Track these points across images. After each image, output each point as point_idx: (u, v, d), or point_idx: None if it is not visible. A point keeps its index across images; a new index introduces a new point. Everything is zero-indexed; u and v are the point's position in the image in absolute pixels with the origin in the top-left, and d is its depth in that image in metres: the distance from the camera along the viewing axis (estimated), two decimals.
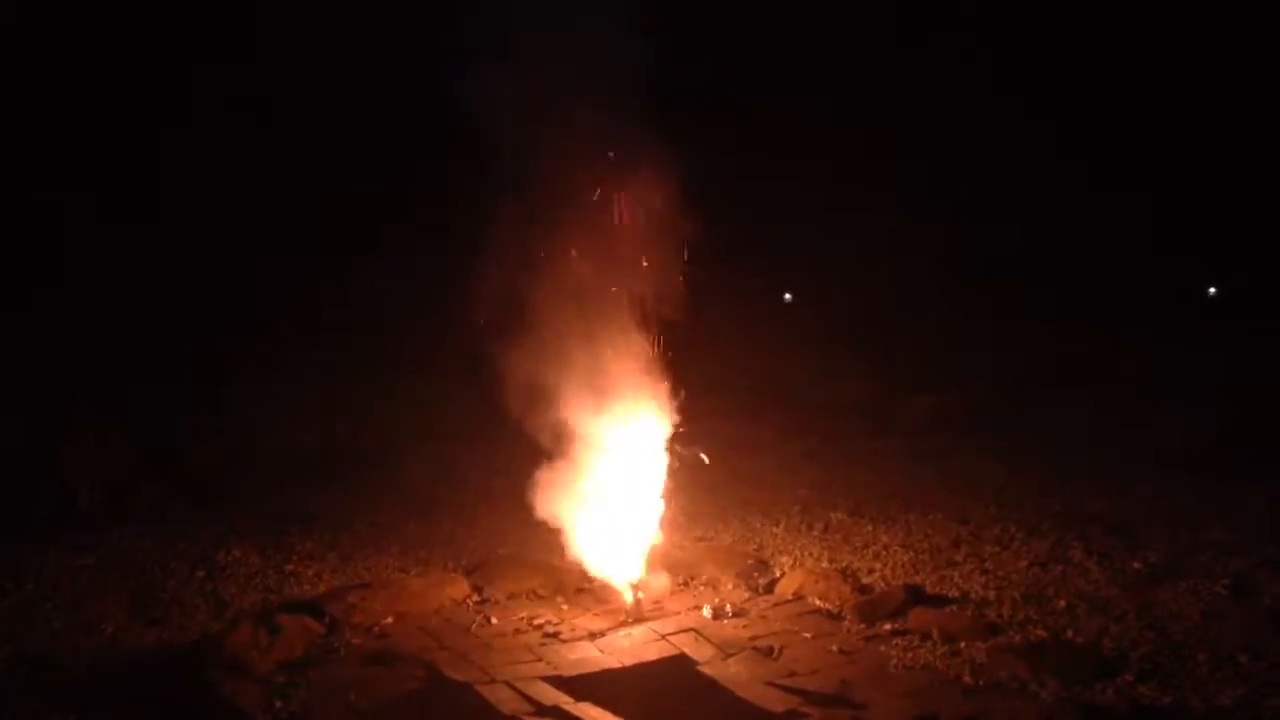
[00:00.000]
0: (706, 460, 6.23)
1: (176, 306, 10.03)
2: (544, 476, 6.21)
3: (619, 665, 5.19)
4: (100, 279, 9.67)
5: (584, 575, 6.20)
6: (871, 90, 13.88)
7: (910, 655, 5.22)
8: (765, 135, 13.62)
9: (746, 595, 6.14)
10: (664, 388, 6.10)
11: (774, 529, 7.52)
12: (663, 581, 6.11)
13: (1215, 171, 15.25)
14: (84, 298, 9.51)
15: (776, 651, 5.30)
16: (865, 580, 6.39)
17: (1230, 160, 15.17)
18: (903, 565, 6.67)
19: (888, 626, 5.57)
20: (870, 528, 7.46)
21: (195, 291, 10.15)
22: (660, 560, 6.20)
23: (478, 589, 6.18)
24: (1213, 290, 17.00)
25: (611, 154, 5.66)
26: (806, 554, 6.94)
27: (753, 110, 13.13)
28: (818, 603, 5.95)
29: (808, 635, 5.51)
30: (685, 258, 5.96)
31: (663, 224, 5.85)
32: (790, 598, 6.07)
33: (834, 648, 5.34)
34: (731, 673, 5.06)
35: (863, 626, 5.60)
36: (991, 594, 6.08)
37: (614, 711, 4.58)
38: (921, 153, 14.01)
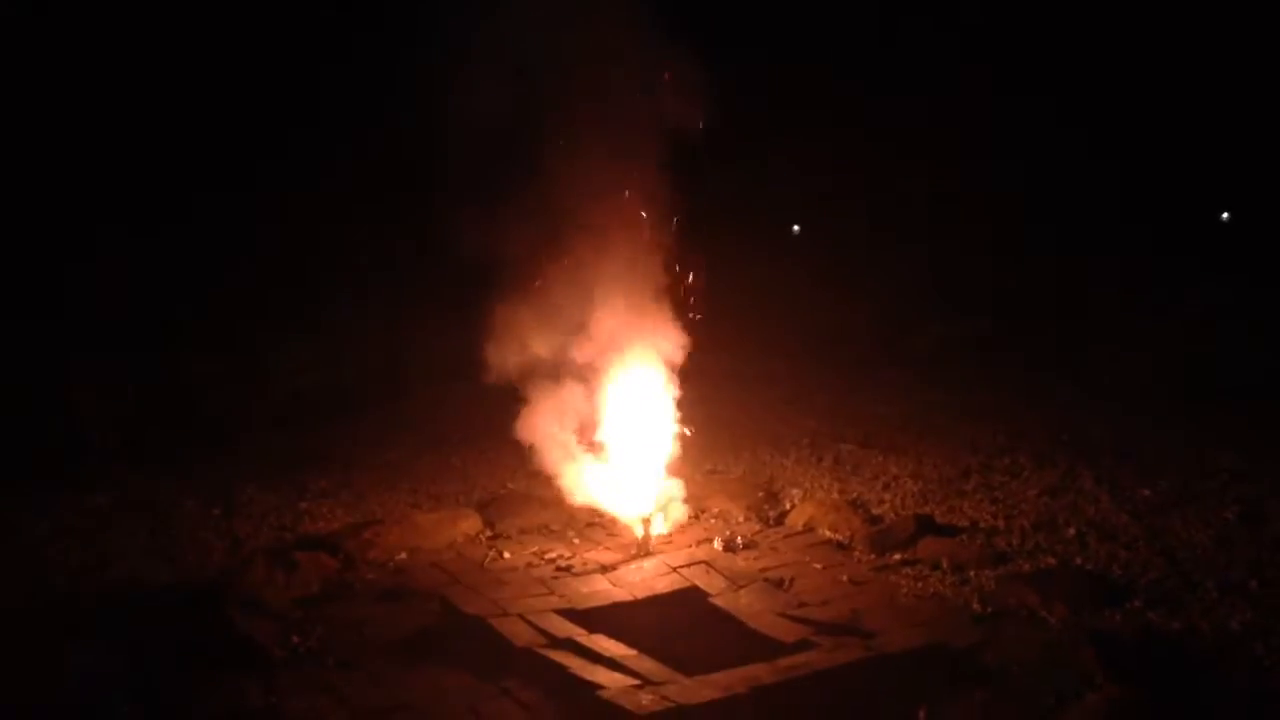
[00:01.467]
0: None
1: (185, 250, 9.95)
2: (555, 412, 6.21)
3: (631, 598, 5.22)
4: (110, 217, 9.59)
5: (595, 509, 6.23)
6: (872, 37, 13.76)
7: (920, 584, 5.25)
8: (775, 71, 13.40)
9: (757, 527, 6.17)
10: (674, 321, 6.08)
11: (784, 461, 7.54)
12: (673, 514, 6.13)
13: (1220, 95, 14.96)
14: (92, 236, 9.44)
15: (787, 582, 5.33)
16: (875, 511, 6.42)
17: (1233, 83, 14.88)
18: (912, 495, 6.69)
19: (897, 556, 5.60)
20: (880, 458, 7.48)
21: (204, 234, 10.06)
22: (671, 493, 6.22)
23: (490, 524, 6.22)
24: (1226, 215, 16.75)
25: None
26: (816, 485, 6.97)
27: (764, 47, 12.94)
28: (828, 534, 5.99)
29: (818, 566, 5.55)
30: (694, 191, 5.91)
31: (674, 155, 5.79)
32: (800, 529, 6.10)
33: (844, 578, 5.38)
34: (743, 604, 5.09)
35: (873, 557, 5.64)
36: (1001, 523, 6.11)
37: (626, 643, 4.61)
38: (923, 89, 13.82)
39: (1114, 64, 14.49)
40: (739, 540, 5.86)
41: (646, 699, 4.10)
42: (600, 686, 4.22)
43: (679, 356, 6.13)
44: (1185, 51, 14.38)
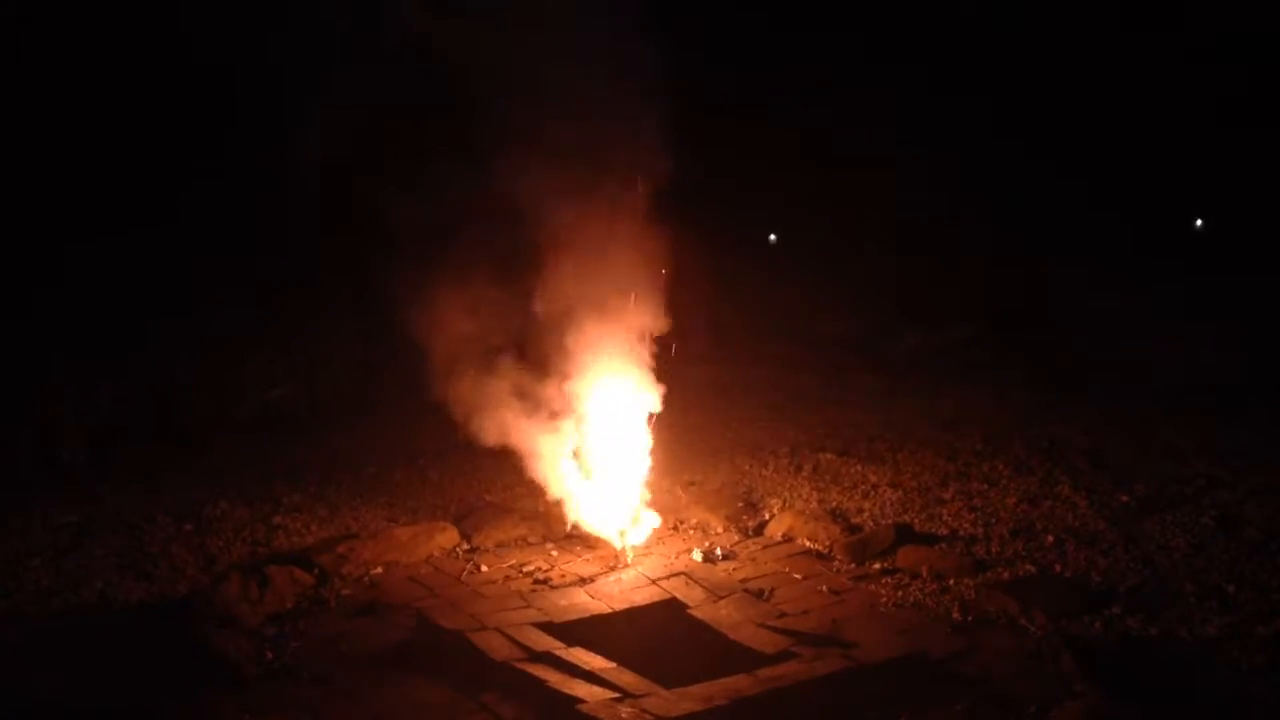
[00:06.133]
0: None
1: (156, 262, 9.85)
2: (531, 423, 6.18)
3: (610, 610, 5.19)
4: (78, 232, 9.48)
5: (573, 522, 6.19)
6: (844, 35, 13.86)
7: (900, 593, 5.25)
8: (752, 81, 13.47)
9: (736, 538, 6.15)
10: (650, 331, 6.06)
11: (763, 471, 7.52)
12: (652, 526, 6.10)
13: (1197, 102, 15.11)
14: (62, 252, 9.32)
15: (767, 593, 5.31)
16: (854, 520, 6.40)
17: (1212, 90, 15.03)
18: (891, 504, 6.69)
19: (877, 566, 5.60)
20: (859, 467, 7.47)
21: (176, 247, 9.96)
22: (649, 505, 6.19)
23: (466, 537, 6.17)
24: (1199, 222, 16.90)
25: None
26: (796, 495, 6.95)
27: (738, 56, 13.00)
28: (807, 544, 5.97)
29: (798, 576, 5.53)
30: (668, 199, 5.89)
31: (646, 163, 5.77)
32: (780, 539, 6.08)
33: (824, 588, 5.36)
34: (722, 615, 5.07)
35: (852, 566, 5.63)
36: (980, 531, 6.11)
37: (605, 656, 4.58)
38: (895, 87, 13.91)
39: (1098, 75, 14.62)
40: (718, 551, 5.83)
41: (626, 712, 4.07)
42: (579, 700, 4.19)
43: (657, 367, 6.11)
44: (1169, 61, 14.53)
